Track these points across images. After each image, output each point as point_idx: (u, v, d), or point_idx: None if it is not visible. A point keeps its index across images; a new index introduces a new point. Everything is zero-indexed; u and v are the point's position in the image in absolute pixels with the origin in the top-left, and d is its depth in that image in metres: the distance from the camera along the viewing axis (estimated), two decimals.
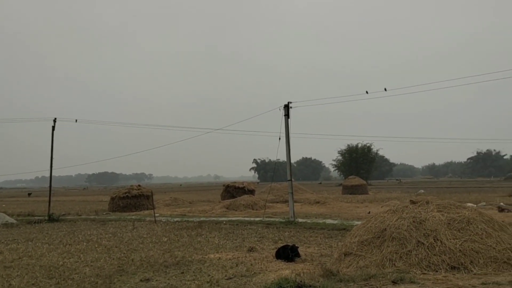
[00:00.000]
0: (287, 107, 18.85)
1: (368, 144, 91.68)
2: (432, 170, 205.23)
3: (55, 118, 23.11)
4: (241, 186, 35.12)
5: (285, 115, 18.87)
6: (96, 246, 12.63)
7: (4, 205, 38.95)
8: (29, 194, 71.19)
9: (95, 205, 35.98)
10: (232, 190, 34.73)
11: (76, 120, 24.74)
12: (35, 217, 23.44)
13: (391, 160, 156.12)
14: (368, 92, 18.12)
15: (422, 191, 41.83)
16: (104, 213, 26.58)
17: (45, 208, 26.01)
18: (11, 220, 21.13)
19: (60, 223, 20.60)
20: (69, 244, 13.12)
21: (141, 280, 8.15)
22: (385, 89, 17.91)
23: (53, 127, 23.07)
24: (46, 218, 22.26)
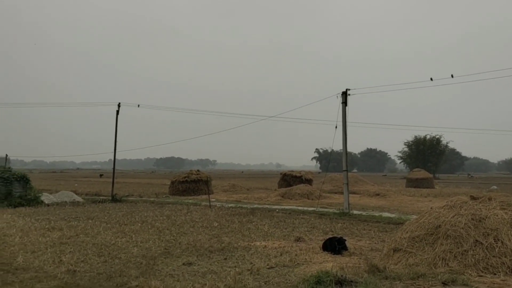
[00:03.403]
0: (345, 94, 18.15)
1: (437, 136, 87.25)
2: (510, 165, 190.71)
3: (119, 103, 24.16)
4: (298, 175, 34.72)
5: (342, 103, 18.20)
6: (149, 227, 12.99)
7: (76, 185, 41.74)
8: (101, 175, 75.74)
9: (158, 188, 37.42)
10: (289, 179, 34.46)
11: (138, 105, 25.71)
12: (100, 197, 24.81)
13: (463, 154, 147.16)
14: (433, 79, 16.88)
15: (495, 187, 38.89)
16: (164, 196, 27.53)
17: None
18: (78, 198, 22.50)
19: (122, 204, 21.59)
20: (125, 224, 13.62)
21: (183, 264, 8.20)
22: (452, 76, 16.60)
23: (117, 111, 24.15)
24: (110, 198, 23.45)
